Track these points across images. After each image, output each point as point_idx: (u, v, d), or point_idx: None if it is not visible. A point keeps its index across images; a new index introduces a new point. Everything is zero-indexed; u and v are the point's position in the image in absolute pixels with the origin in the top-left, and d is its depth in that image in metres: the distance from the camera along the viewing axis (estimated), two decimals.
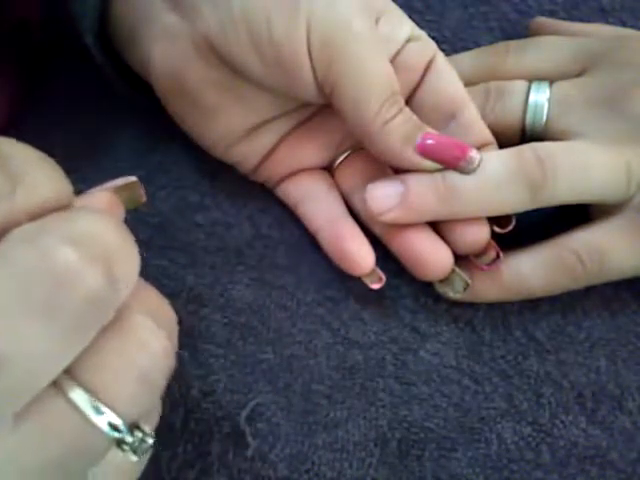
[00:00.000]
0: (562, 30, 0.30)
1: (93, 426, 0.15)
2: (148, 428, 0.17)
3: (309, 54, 0.23)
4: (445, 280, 0.26)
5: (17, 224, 0.15)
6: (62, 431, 0.15)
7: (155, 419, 0.19)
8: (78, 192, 0.17)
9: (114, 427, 0.16)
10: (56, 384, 0.15)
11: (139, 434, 0.16)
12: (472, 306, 0.28)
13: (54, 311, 0.14)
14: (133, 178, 0.20)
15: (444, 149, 0.24)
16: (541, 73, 0.28)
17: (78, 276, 0.15)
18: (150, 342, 0.16)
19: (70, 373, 0.15)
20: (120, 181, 0.20)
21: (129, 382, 0.16)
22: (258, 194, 0.30)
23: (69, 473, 0.15)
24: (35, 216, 0.15)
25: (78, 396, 0.15)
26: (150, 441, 0.17)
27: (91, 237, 0.15)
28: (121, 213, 0.20)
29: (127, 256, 0.16)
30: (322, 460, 0.26)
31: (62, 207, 0.16)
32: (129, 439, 0.16)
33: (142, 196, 0.21)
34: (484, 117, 0.26)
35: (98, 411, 0.15)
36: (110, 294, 0.15)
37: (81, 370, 0.15)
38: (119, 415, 0.16)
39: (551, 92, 0.27)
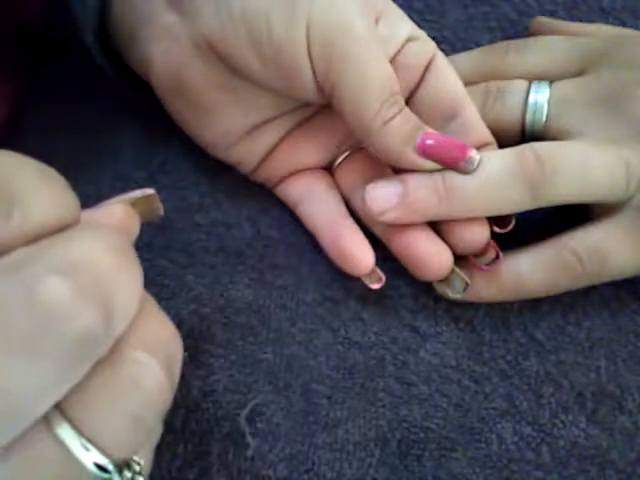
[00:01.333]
0: (562, 30, 0.30)
1: (79, 464, 0.15)
2: (142, 460, 0.16)
3: (309, 54, 0.23)
4: (445, 280, 0.26)
5: (12, 249, 0.14)
6: (48, 466, 0.14)
7: (154, 441, 0.18)
8: (77, 194, 0.17)
9: (101, 467, 0.15)
10: (46, 418, 0.14)
11: (128, 474, 0.16)
12: (472, 306, 0.28)
13: (40, 349, 0.13)
14: (151, 191, 0.19)
15: (444, 149, 0.24)
16: (541, 73, 0.28)
17: (68, 313, 0.13)
18: (143, 380, 0.16)
19: (60, 408, 0.15)
20: (137, 193, 0.19)
21: (118, 422, 0.15)
22: (258, 194, 0.30)
23: None
24: (33, 240, 0.14)
25: (65, 432, 0.14)
26: (141, 479, 0.16)
27: (86, 265, 0.14)
28: (136, 227, 0.19)
29: (126, 286, 0.15)
30: (322, 460, 0.26)
31: (64, 228, 0.15)
32: (117, 479, 0.15)
33: (159, 209, 0.20)
34: (484, 117, 0.26)
35: (85, 448, 0.15)
36: (104, 331, 0.14)
37: (70, 406, 0.15)
38: (106, 455, 0.15)
39: (551, 92, 0.27)
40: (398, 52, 0.25)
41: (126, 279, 0.15)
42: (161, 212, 0.20)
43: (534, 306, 0.28)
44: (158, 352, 0.16)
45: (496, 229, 0.26)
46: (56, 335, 0.13)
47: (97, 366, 0.15)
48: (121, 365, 0.15)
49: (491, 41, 0.31)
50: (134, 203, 0.19)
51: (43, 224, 0.14)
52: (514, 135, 0.27)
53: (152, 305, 0.17)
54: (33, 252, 0.14)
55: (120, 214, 0.18)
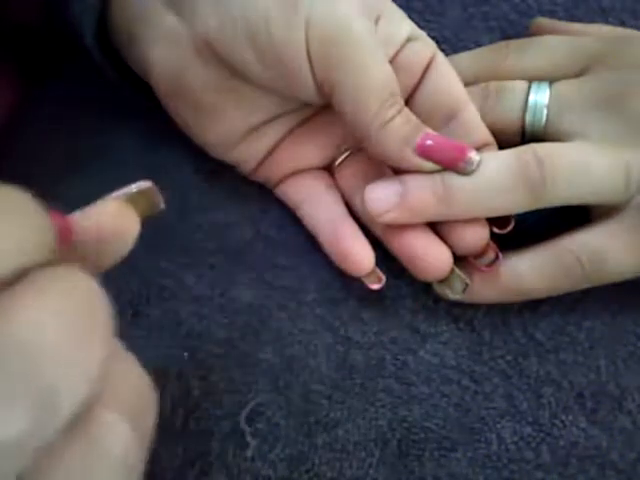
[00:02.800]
0: (562, 30, 0.30)
1: None
2: None
3: (308, 55, 0.23)
4: (444, 281, 0.26)
5: None
6: None
7: None
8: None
9: None
10: None
11: None
12: (472, 306, 0.28)
13: None
14: (148, 183, 0.18)
15: (443, 150, 0.24)
16: (541, 73, 0.28)
17: None
18: (111, 447, 0.14)
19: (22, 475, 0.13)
20: (133, 187, 0.18)
21: None
22: (258, 194, 0.30)
23: None
24: None
25: None
26: None
27: (19, 347, 0.12)
28: (133, 227, 0.17)
29: (79, 358, 0.13)
30: (322, 460, 0.26)
31: (23, 276, 0.13)
32: None
33: (159, 202, 0.19)
34: (484, 117, 0.26)
35: None
36: (42, 425, 0.12)
37: (32, 472, 0.13)
38: None
39: (551, 92, 0.27)
40: (398, 52, 0.25)
41: (78, 351, 0.13)
42: (162, 205, 0.19)
43: (534, 306, 0.28)
44: (129, 412, 0.15)
45: (495, 230, 0.26)
46: None
47: (65, 432, 0.13)
48: (88, 433, 0.14)
49: (491, 41, 0.31)
50: (131, 199, 0.17)
51: None
52: (514, 136, 0.27)
53: (122, 356, 0.16)
54: None
55: (113, 213, 0.17)
